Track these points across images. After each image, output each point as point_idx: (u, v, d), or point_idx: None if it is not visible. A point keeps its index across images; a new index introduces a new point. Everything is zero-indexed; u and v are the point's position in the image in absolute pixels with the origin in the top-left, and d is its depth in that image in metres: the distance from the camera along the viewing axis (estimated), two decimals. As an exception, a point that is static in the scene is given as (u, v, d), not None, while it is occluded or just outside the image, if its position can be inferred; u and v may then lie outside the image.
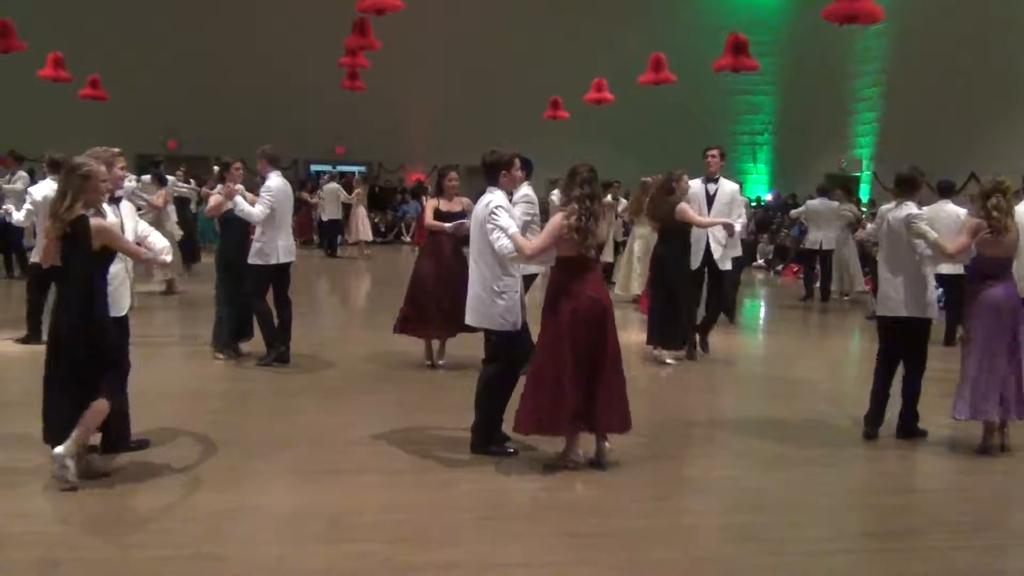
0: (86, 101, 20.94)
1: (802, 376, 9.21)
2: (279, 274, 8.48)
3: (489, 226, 5.75)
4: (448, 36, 25.12)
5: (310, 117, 24.65)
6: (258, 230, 8.38)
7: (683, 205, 8.83)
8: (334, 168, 26.18)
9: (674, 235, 8.93)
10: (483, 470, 5.74)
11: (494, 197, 5.84)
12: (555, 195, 18.49)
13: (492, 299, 5.86)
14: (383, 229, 24.71)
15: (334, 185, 20.66)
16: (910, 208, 6.54)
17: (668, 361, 9.06)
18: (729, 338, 10.97)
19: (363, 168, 27.74)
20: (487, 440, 5.99)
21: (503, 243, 5.68)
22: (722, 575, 4.41)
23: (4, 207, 10.36)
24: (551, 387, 5.53)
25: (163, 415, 6.42)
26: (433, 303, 8.34)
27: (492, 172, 5.94)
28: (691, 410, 7.70)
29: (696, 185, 9.41)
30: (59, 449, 5.02)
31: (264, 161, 8.46)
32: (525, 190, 7.44)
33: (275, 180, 8.34)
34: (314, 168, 27.33)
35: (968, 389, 6.31)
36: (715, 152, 9.34)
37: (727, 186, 9.40)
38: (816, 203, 14.54)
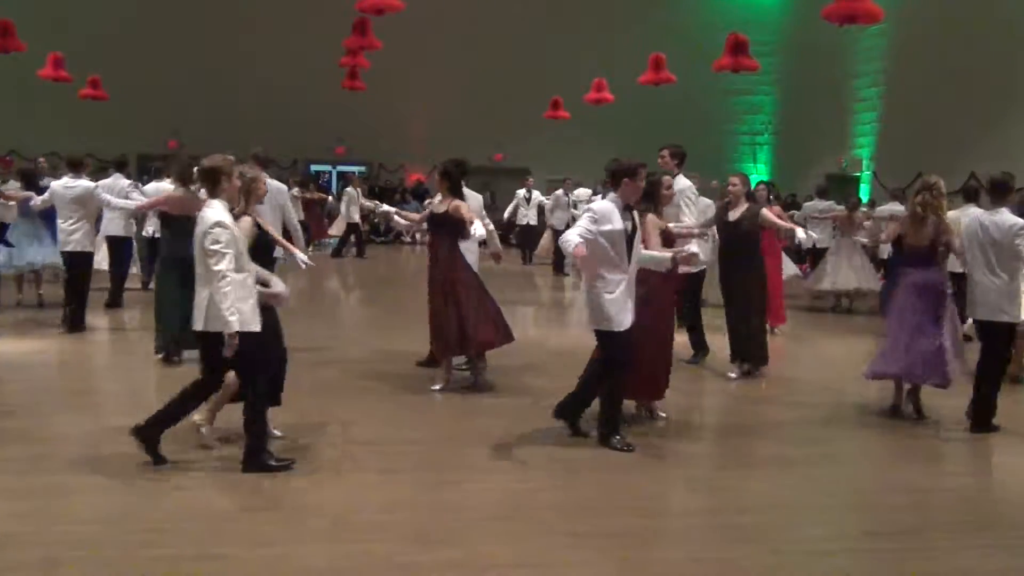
0: (86, 101, 20.93)
1: (803, 376, 9.22)
2: None
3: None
4: (448, 36, 25.09)
5: (310, 117, 24.64)
6: None
7: None
8: (334, 168, 26.14)
9: None
10: (483, 470, 5.76)
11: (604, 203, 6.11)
12: (555, 197, 18.54)
13: (600, 298, 6.02)
14: (383, 229, 24.70)
15: (351, 189, 20.57)
16: (1010, 216, 6.77)
17: None
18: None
19: (363, 168, 27.73)
20: (611, 433, 6.18)
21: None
22: (722, 575, 4.42)
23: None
24: None
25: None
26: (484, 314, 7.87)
27: (615, 179, 6.11)
28: (691, 410, 7.71)
29: None
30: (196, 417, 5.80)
31: (255, 164, 8.45)
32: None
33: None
34: (314, 168, 27.31)
35: None
36: (664, 153, 8.95)
37: (680, 182, 8.91)
38: (809, 205, 15.04)
